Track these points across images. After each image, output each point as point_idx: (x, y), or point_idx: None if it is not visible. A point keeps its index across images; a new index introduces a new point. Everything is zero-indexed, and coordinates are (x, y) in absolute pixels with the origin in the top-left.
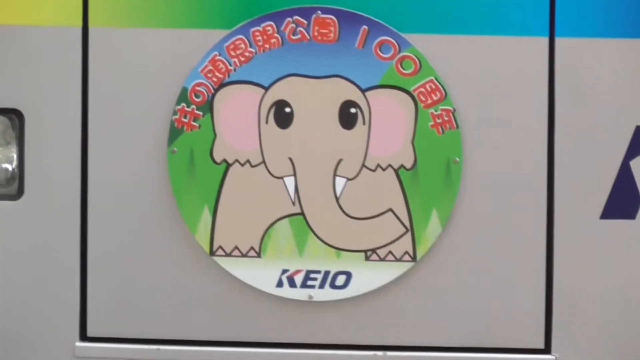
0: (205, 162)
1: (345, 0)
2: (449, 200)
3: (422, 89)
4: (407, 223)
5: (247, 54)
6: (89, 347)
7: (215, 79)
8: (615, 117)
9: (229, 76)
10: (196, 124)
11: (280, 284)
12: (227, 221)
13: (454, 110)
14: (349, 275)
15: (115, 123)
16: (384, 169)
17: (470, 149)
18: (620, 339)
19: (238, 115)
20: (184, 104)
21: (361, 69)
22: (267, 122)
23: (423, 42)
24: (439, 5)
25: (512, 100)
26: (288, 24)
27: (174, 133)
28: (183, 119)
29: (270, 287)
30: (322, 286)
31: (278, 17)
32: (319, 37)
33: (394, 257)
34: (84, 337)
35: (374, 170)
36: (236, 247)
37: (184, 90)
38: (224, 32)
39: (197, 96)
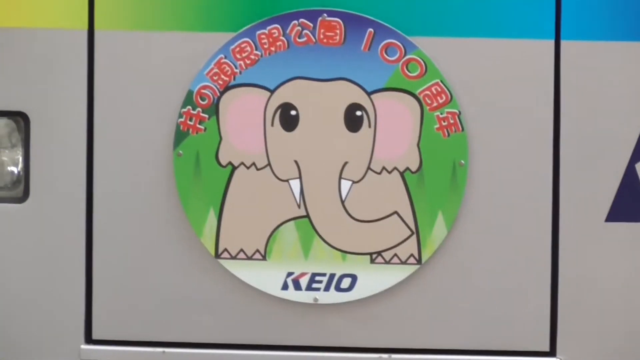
0: (210, 164)
1: (351, 3)
2: (455, 203)
3: (428, 92)
4: (412, 226)
5: (252, 56)
6: (94, 350)
7: (221, 82)
8: (621, 120)
9: (234, 79)
10: (202, 127)
11: (285, 286)
12: (233, 224)
13: (460, 113)
14: (354, 278)
15: (121, 126)
16: (389, 172)
17: (475, 151)
18: (625, 341)
19: (244, 118)
20: (189, 107)
21: (367, 71)
22: (272, 124)
23: (429, 45)
24: (444, 8)
25: (518, 103)
26: (294, 26)
27: (180, 136)
28: (189, 122)
29: (275, 290)
30: (327, 289)
31: (284, 20)
32: (325, 40)
33: (400, 260)
34: (89, 339)
35: (379, 173)
36: (241, 250)
37: (190, 93)
38: (229, 35)
39: (202, 99)
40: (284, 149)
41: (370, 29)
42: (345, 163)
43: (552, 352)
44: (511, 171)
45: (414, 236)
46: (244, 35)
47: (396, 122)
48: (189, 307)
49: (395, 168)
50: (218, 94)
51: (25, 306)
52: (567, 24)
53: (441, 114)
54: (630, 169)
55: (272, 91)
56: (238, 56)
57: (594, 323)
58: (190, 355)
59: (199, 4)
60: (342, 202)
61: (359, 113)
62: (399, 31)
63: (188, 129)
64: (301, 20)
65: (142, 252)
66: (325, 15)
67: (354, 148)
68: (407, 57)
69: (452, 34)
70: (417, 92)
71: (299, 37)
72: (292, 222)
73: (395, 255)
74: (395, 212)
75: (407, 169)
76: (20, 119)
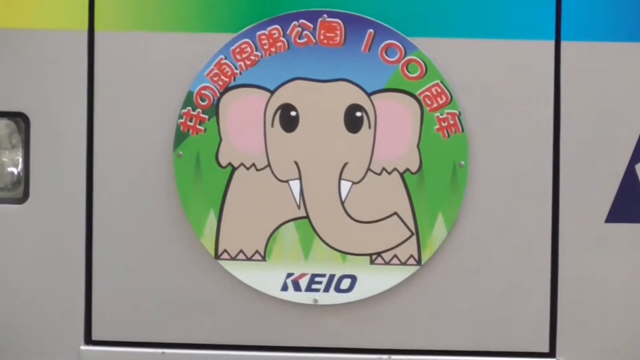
0: (210, 165)
1: (351, 4)
2: (455, 204)
3: (428, 93)
4: (412, 227)
5: (253, 57)
6: (94, 351)
7: (221, 83)
8: (621, 121)
9: (234, 80)
10: (202, 128)
11: (285, 287)
12: (233, 225)
13: (460, 113)
14: (354, 279)
15: (121, 127)
16: (389, 173)
17: (475, 152)
18: (625, 342)
19: (244, 118)
20: (189, 108)
21: (367, 72)
22: (272, 125)
23: (429, 46)
24: (444, 9)
25: (518, 104)
26: (294, 27)
27: (180, 137)
28: (189, 123)
29: (275, 291)
30: (327, 290)
31: (284, 21)
32: (325, 41)
33: (399, 260)
34: (89, 340)
35: (379, 174)
36: (241, 251)
37: (190, 94)
38: (229, 36)
39: (202, 100)
40: (284, 149)
41: (371, 30)
42: (345, 164)
43: (551, 353)
44: (511, 172)
45: (414, 237)
46: (244, 36)
47: (396, 122)
48: (188, 308)
49: (395, 169)
50: (218, 94)
51: (25, 307)
52: (567, 25)
53: (441, 114)
54: (630, 169)
55: (272, 92)
56: (238, 57)
57: (594, 324)
58: (190, 356)
59: (199, 4)
60: (342, 202)
61: (359, 114)
62: (399, 32)
63: (188, 130)
64: (301, 21)
65: (142, 252)
66: (325, 16)
67: (354, 149)
68: (407, 57)
69: (452, 34)
70: (417, 93)
71: (299, 38)
72: (291, 223)
73: (395, 256)
74: (395, 213)
75: (407, 169)
76: (21, 120)
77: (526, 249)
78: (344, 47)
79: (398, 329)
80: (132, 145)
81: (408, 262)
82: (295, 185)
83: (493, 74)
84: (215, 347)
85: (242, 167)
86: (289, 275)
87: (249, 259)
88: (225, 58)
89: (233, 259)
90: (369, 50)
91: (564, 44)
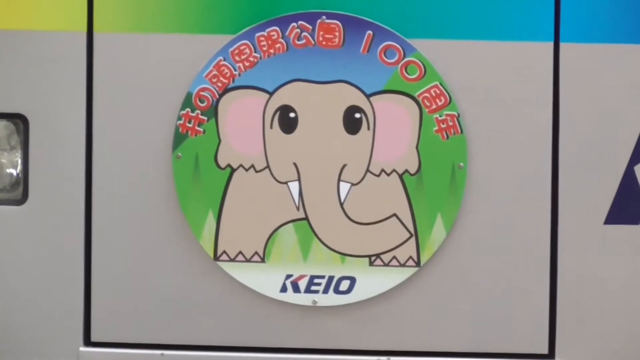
0: (209, 167)
1: (350, 6)
2: (454, 205)
3: (427, 94)
4: (411, 228)
5: (251, 59)
6: (93, 352)
7: (219, 84)
8: (620, 122)
9: (233, 81)
10: (201, 129)
11: (284, 289)
12: (232, 226)
13: (459, 115)
14: (353, 280)
15: (120, 128)
16: (388, 174)
17: (474, 154)
18: (624, 344)
19: (242, 120)
20: (188, 109)
21: (366, 74)
22: (271, 127)
23: (428, 47)
24: (443, 10)
25: (517, 105)
26: (293, 29)
27: (179, 138)
28: (187, 124)
29: (274, 292)
30: (326, 291)
31: (283, 22)
32: (324, 42)
33: (398, 262)
34: (88, 342)
35: (378, 176)
36: (240, 252)
37: (189, 95)
38: (228, 37)
39: (201, 101)
40: (282, 151)
41: (369, 31)
42: (344, 165)
43: (550, 354)
44: (510, 173)
45: (413, 238)
46: (243, 37)
47: (395, 124)
48: (187, 309)
49: (394, 170)
50: (217, 96)
51: (24, 308)
52: (566, 27)
53: (440, 116)
54: (629, 171)
55: (271, 93)
56: (237, 58)
57: (593, 325)
58: (189, 357)
59: (198, 6)
60: (341, 204)
61: (357, 115)
62: (398, 33)
63: (187, 131)
64: (300, 22)
65: (141, 254)
66: (324, 17)
67: (352, 150)
68: (406, 59)
69: (451, 36)
70: (416, 95)
71: (298, 40)
72: (290, 225)
73: (394, 257)
74: (394, 215)
75: (406, 171)
76: (20, 121)
77: (525, 251)
78: (343, 48)
79: (397, 331)
80: (131, 146)
81: (407, 264)
82: (294, 186)
83: (492, 76)
84: (214, 348)
85: (241, 168)
86: (288, 276)
87: (248, 260)
88: (224, 59)
89: (232, 260)
90: (367, 51)
91: (562, 46)
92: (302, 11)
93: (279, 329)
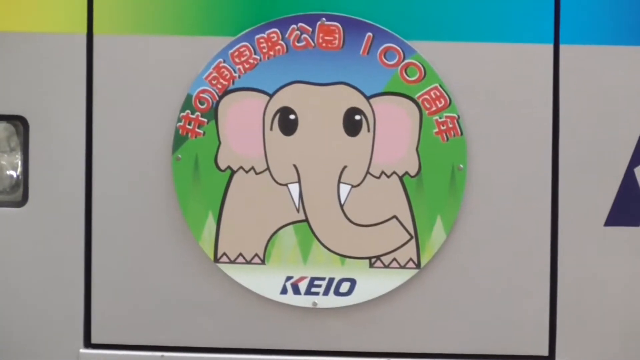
0: (209, 169)
1: (350, 8)
2: (454, 207)
3: (427, 96)
4: (411, 230)
5: (251, 60)
6: (94, 354)
7: (219, 86)
8: (620, 124)
9: (233, 83)
10: (201, 131)
11: (284, 290)
12: (232, 228)
13: (459, 117)
14: (353, 282)
15: (120, 130)
16: (388, 176)
17: (474, 155)
18: (624, 346)
19: (242, 122)
20: (188, 111)
21: (366, 75)
22: (271, 129)
23: (428, 49)
24: (443, 12)
25: (517, 107)
26: (293, 31)
27: (179, 140)
28: (187, 126)
29: (274, 294)
30: (326, 293)
31: (283, 24)
32: (324, 44)
33: (398, 264)
34: (88, 344)
35: (378, 177)
36: (240, 254)
37: (189, 97)
38: (228, 39)
39: (201, 103)
40: (282, 153)
41: (369, 33)
42: (344, 167)
43: (551, 356)
44: (510, 175)
45: (413, 240)
46: (243, 39)
47: (395, 126)
48: (187, 311)
49: (394, 172)
50: (217, 98)
51: (24, 310)
52: (566, 28)
53: (440, 118)
54: (629, 173)
55: (271, 95)
56: (237, 60)
57: (593, 327)
58: (189, 359)
59: (198, 8)
60: (341, 206)
61: (357, 117)
62: (397, 35)
63: (187, 133)
64: (300, 24)
65: (141, 256)
66: (324, 19)
67: (352, 152)
68: (406, 61)
69: (451, 38)
70: (416, 97)
71: (298, 41)
72: (291, 227)
73: (394, 259)
74: (394, 217)
75: (406, 173)
76: (19, 123)
77: (525, 252)
78: (343, 50)
79: (397, 332)
80: (131, 148)
81: (407, 266)
82: (294, 188)
83: (492, 78)
84: (214, 350)
85: (241, 170)
86: (288, 278)
87: (248, 262)
88: (224, 61)
89: (232, 262)
90: (367, 53)
91: (562, 48)
92: (301, 13)
93: (279, 330)
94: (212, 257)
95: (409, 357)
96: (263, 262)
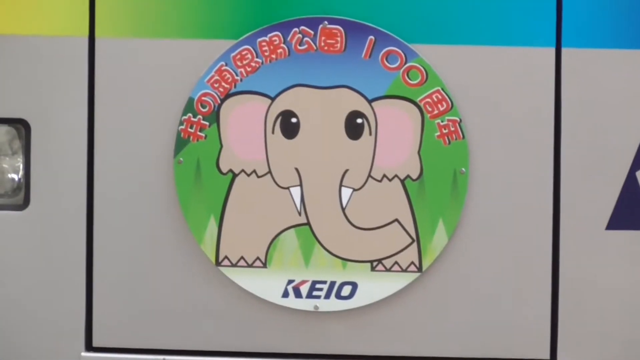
0: (211, 172)
1: (352, 11)
2: (455, 210)
3: (429, 100)
4: (413, 233)
5: (253, 64)
6: (95, 358)
7: (221, 89)
8: (621, 128)
9: (235, 86)
10: (202, 134)
11: (286, 294)
12: (233, 231)
13: (461, 120)
14: (354, 285)
15: (122, 133)
16: (390, 180)
17: (476, 159)
18: (625, 349)
19: (244, 125)
20: (190, 114)
21: (368, 79)
22: (273, 132)
23: (430, 53)
24: (445, 16)
25: (519, 111)
26: (295, 34)
27: (180, 143)
28: (189, 129)
29: (276, 298)
30: (327, 296)
31: (285, 28)
32: (326, 48)
33: (400, 267)
34: (89, 347)
35: (380, 181)
36: (242, 258)
37: (190, 101)
38: (230, 42)
39: (203, 106)
40: (284, 156)
41: (371, 37)
42: (346, 171)
43: (552, 359)
44: (512, 179)
45: (415, 244)
46: (245, 42)
47: (397, 129)
48: (189, 315)
49: (396, 176)
50: (219, 101)
51: (26, 313)
52: (568, 32)
53: (442, 121)
54: (630, 176)
55: (272, 98)
56: (239, 63)
57: (595, 330)
58: None
59: (200, 11)
60: (343, 209)
61: (359, 120)
62: (399, 39)
63: (189, 137)
64: (302, 27)
65: (143, 259)
66: (326, 22)
67: (354, 155)
68: (408, 64)
69: (453, 41)
70: (417, 100)
71: (300, 45)
72: (292, 230)
73: (396, 263)
74: (396, 220)
75: (408, 176)
76: (21, 126)
77: (527, 256)
78: (345, 53)
79: (399, 336)
80: (133, 151)
81: (409, 269)
82: (296, 191)
83: (494, 81)
84: (216, 353)
85: (242, 173)
86: (290, 281)
87: (249, 265)
88: (226, 64)
89: (234, 265)
90: (369, 57)
91: (564, 51)
92: (304, 16)
93: (281, 334)
94: (213, 260)
95: None
96: (264, 265)
